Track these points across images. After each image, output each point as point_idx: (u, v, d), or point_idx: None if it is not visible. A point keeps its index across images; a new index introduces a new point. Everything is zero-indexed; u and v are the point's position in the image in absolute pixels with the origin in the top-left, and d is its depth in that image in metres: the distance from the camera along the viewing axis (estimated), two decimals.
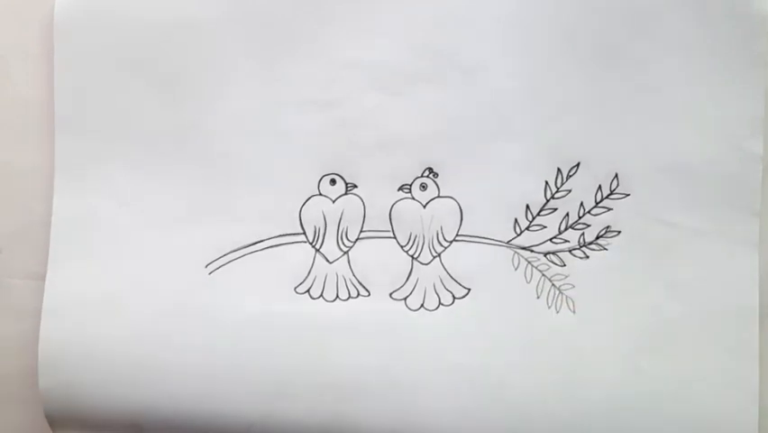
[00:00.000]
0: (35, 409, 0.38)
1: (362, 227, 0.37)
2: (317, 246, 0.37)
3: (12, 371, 0.39)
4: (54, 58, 0.37)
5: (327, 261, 0.37)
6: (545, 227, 0.37)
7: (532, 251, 0.37)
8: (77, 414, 0.37)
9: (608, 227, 0.37)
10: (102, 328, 0.37)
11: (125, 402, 0.37)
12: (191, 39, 0.37)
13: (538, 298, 0.37)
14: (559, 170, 0.37)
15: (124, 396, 0.36)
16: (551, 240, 0.37)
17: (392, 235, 0.37)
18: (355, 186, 0.37)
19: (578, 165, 0.37)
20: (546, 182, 0.37)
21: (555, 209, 0.37)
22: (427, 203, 0.37)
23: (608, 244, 0.37)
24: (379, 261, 0.37)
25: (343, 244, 0.37)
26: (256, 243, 0.37)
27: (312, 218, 0.37)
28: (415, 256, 0.37)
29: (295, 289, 0.37)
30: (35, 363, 0.37)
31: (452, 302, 0.37)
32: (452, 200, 0.37)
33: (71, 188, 0.37)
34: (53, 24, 0.37)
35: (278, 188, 0.37)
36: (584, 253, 0.37)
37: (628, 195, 0.36)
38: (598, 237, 0.37)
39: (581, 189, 0.37)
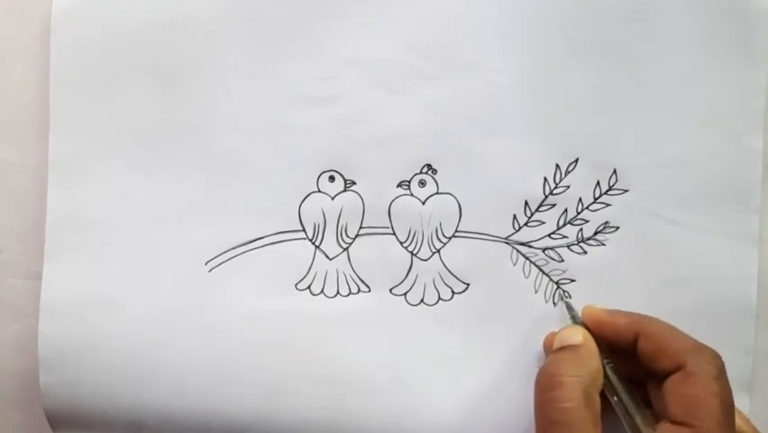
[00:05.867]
0: (35, 409, 0.38)
1: (362, 224, 0.37)
2: (317, 243, 0.37)
3: (12, 371, 0.39)
4: (50, 55, 0.36)
5: (327, 257, 0.37)
6: (544, 223, 0.37)
7: (530, 246, 0.37)
8: (77, 412, 0.37)
9: (606, 223, 0.37)
10: (101, 326, 0.37)
11: (125, 400, 0.37)
12: (190, 36, 0.36)
13: (536, 292, 0.37)
14: (557, 165, 0.36)
15: (124, 394, 0.37)
16: (549, 236, 0.37)
17: (391, 232, 0.37)
18: (354, 183, 0.37)
19: (576, 161, 0.36)
20: (545, 178, 0.37)
21: (554, 205, 0.37)
22: (426, 199, 0.37)
23: (606, 239, 0.37)
24: (379, 257, 0.37)
25: (343, 240, 0.37)
26: (256, 240, 0.37)
27: (311, 215, 0.37)
28: (414, 252, 0.37)
29: (295, 285, 0.37)
30: (35, 363, 0.37)
31: (452, 297, 0.37)
32: (450, 197, 0.37)
33: (66, 185, 0.37)
34: (50, 22, 0.36)
35: (277, 184, 0.37)
36: (582, 248, 0.37)
37: (627, 191, 0.36)
38: (596, 233, 0.37)
39: (580, 185, 0.36)
